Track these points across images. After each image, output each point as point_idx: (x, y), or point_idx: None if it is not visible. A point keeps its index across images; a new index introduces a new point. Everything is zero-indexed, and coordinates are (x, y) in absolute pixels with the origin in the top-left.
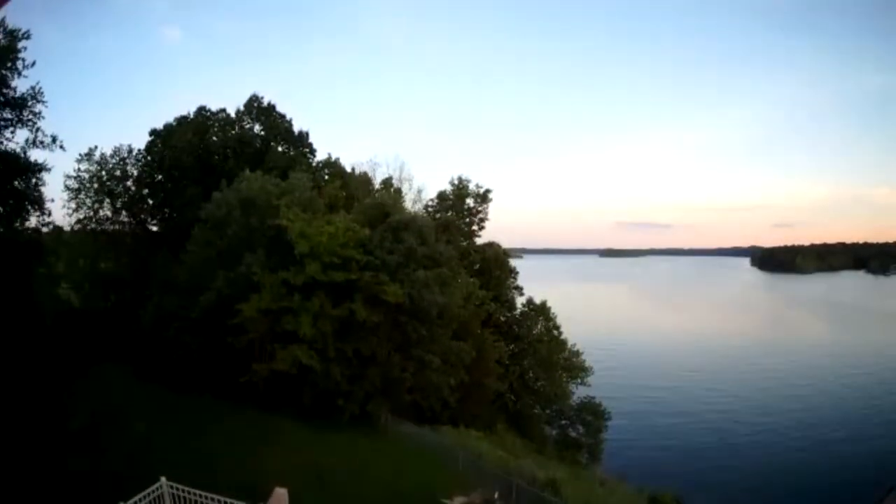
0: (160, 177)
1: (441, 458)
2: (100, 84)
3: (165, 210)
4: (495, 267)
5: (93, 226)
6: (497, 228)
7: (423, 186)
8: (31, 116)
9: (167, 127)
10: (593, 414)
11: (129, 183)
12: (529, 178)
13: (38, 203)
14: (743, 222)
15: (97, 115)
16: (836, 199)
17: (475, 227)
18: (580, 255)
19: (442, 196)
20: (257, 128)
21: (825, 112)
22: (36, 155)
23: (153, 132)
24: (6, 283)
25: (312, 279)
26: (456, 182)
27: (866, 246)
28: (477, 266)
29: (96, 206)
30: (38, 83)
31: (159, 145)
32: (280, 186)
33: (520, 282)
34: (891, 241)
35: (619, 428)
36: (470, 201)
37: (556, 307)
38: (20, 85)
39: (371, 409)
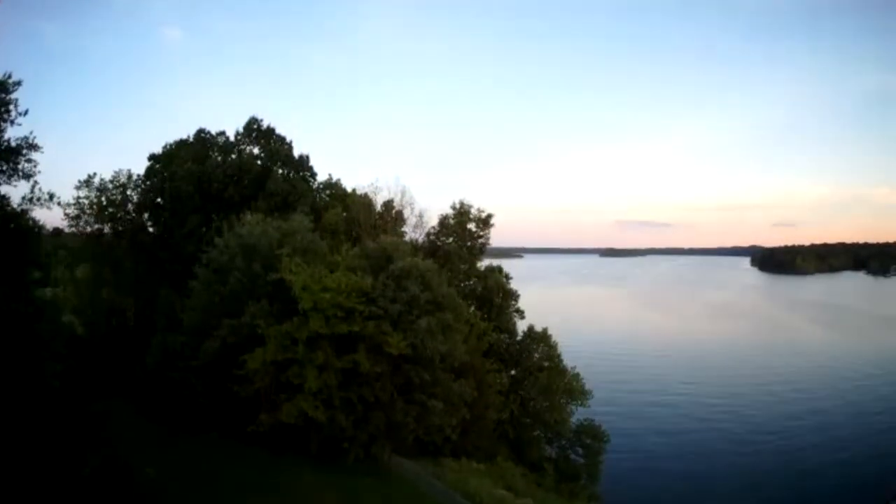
0: (161, 202)
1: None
2: (100, 84)
3: (167, 238)
4: (496, 295)
5: (94, 251)
6: (498, 228)
7: (425, 209)
8: (25, 166)
9: (166, 152)
10: (592, 437)
11: (129, 207)
12: (530, 178)
13: (39, 264)
14: (743, 221)
15: (97, 115)
16: (835, 198)
17: (477, 251)
18: (580, 255)
19: (444, 223)
20: (256, 150)
21: (825, 112)
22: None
23: (152, 157)
24: (13, 354)
25: (316, 333)
26: (458, 206)
27: (866, 246)
28: (479, 291)
29: (96, 232)
30: (31, 132)
31: (159, 171)
32: (281, 229)
33: (519, 283)
34: (891, 241)
35: (619, 446)
36: (472, 226)
37: (556, 310)
38: (14, 132)
39: (375, 451)
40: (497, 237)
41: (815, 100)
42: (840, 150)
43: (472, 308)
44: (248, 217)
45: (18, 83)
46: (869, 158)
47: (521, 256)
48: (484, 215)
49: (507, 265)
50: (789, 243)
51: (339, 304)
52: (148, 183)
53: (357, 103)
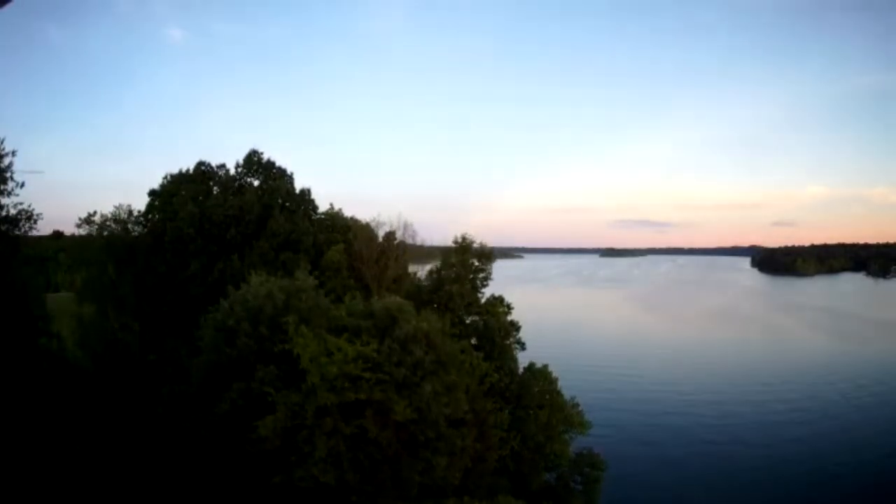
0: (165, 237)
1: None
2: (101, 84)
3: (170, 279)
4: (498, 334)
5: (97, 288)
6: (498, 229)
7: (426, 241)
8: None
9: (166, 188)
10: (591, 465)
11: (130, 242)
12: (529, 178)
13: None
14: (743, 221)
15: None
16: (835, 197)
17: (479, 285)
18: (580, 255)
19: (445, 261)
20: (257, 182)
21: (825, 112)
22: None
23: (152, 193)
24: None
25: (325, 404)
26: (460, 240)
27: (866, 247)
28: (480, 328)
29: (99, 270)
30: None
31: (159, 208)
32: (286, 289)
33: (518, 285)
34: (891, 241)
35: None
36: (474, 260)
37: (555, 317)
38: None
39: (382, 503)
40: (497, 237)
41: (815, 99)
42: (840, 150)
43: (472, 342)
44: (252, 277)
45: (14, 153)
46: (868, 158)
47: (521, 257)
48: (486, 249)
49: (509, 265)
50: (789, 243)
51: (347, 373)
52: (149, 222)
53: (357, 104)
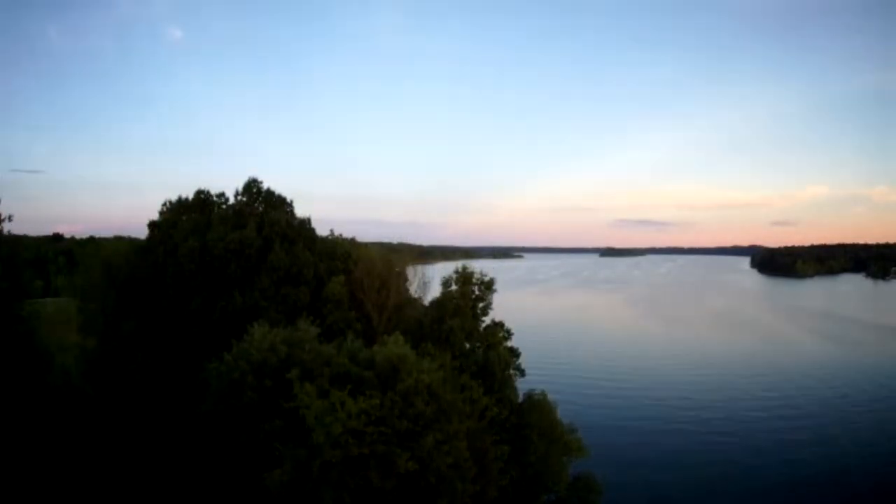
0: (167, 270)
1: None
2: (101, 84)
3: (172, 315)
4: (498, 367)
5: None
6: (498, 229)
7: (429, 278)
8: None
9: (166, 219)
10: (588, 490)
11: (131, 274)
12: (530, 178)
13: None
14: (742, 220)
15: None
16: (835, 197)
17: (479, 314)
18: (580, 254)
19: (446, 294)
20: (257, 208)
21: (824, 112)
22: None
23: (152, 225)
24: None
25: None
26: (461, 270)
27: (865, 247)
28: (481, 361)
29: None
30: None
31: (160, 241)
32: (288, 340)
33: (519, 285)
34: (891, 241)
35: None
36: (475, 289)
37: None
38: None
39: None
40: (498, 237)
41: (815, 99)
42: (840, 150)
43: (472, 375)
44: (255, 329)
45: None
46: (868, 158)
47: (521, 257)
48: (486, 279)
49: (509, 266)
50: (789, 243)
51: (351, 429)
52: (150, 255)
53: (357, 104)
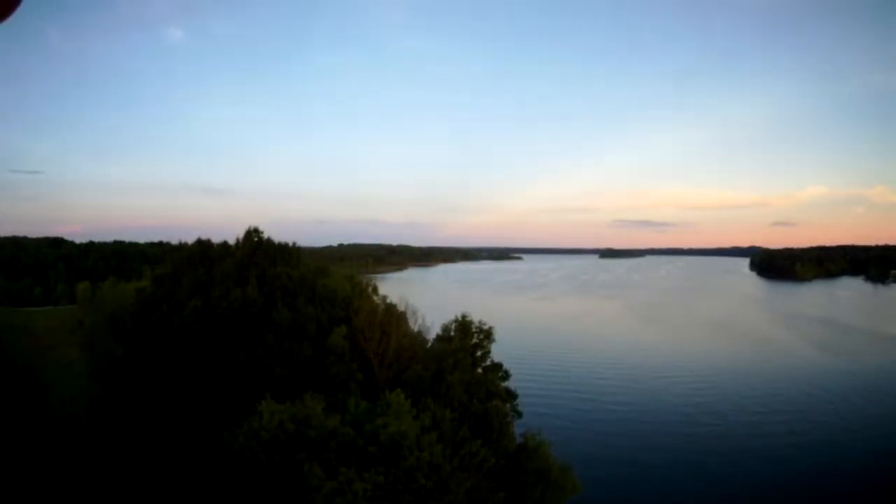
0: (171, 327)
1: None
2: (101, 84)
3: (178, 373)
4: (496, 419)
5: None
6: (498, 230)
7: (430, 325)
8: None
9: (169, 273)
10: None
11: (137, 327)
12: (529, 179)
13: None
14: (742, 220)
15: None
16: (834, 197)
17: (478, 360)
18: (580, 255)
19: (446, 348)
20: (256, 255)
21: (824, 112)
22: None
23: (157, 279)
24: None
25: None
26: (460, 318)
27: (865, 248)
28: (479, 412)
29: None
30: None
31: (163, 298)
32: (295, 417)
33: (518, 287)
34: (891, 242)
35: None
36: (474, 338)
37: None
38: None
39: None
40: (497, 239)
41: (815, 99)
42: (840, 150)
43: (470, 427)
44: (264, 406)
45: None
46: (868, 158)
47: (520, 258)
48: (486, 327)
49: (508, 268)
50: (789, 244)
51: None
52: (155, 313)
53: (357, 104)
